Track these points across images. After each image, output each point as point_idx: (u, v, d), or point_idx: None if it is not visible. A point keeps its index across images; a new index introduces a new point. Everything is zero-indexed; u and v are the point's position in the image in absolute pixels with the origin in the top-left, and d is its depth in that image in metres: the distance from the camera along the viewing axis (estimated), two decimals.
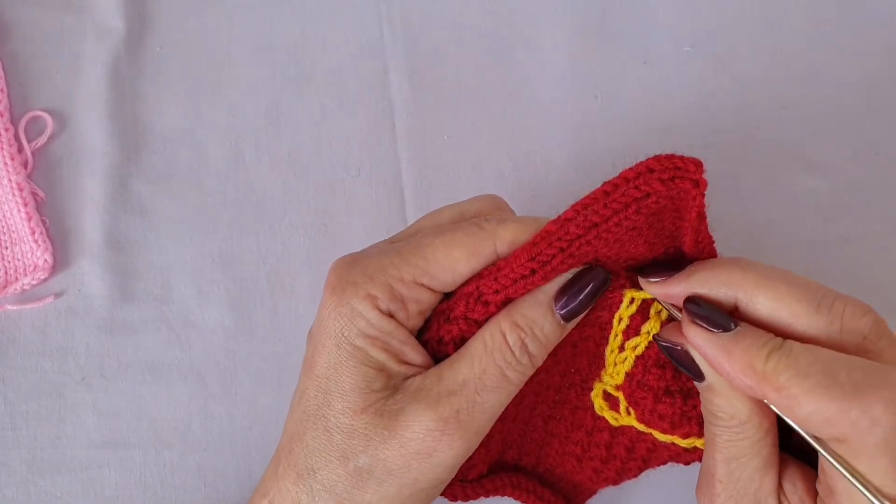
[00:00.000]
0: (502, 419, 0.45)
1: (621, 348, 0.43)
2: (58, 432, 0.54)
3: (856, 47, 0.59)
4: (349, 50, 0.59)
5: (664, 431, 0.43)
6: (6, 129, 0.56)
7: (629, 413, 0.44)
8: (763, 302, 0.37)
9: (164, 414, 0.54)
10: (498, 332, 0.40)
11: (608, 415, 0.45)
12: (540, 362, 0.41)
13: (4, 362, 0.54)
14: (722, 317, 0.37)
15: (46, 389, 0.54)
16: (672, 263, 0.41)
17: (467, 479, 0.47)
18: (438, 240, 0.40)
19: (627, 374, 0.43)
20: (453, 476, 0.41)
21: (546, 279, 0.40)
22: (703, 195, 0.37)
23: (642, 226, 0.39)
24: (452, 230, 0.41)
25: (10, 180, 0.55)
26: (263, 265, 0.56)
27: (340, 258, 0.42)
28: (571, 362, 0.46)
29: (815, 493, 0.39)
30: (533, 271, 0.39)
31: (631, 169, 0.37)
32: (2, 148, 0.55)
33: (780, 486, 0.39)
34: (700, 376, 0.39)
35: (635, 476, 0.48)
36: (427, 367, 0.41)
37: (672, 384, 0.42)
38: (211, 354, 0.55)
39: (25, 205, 0.55)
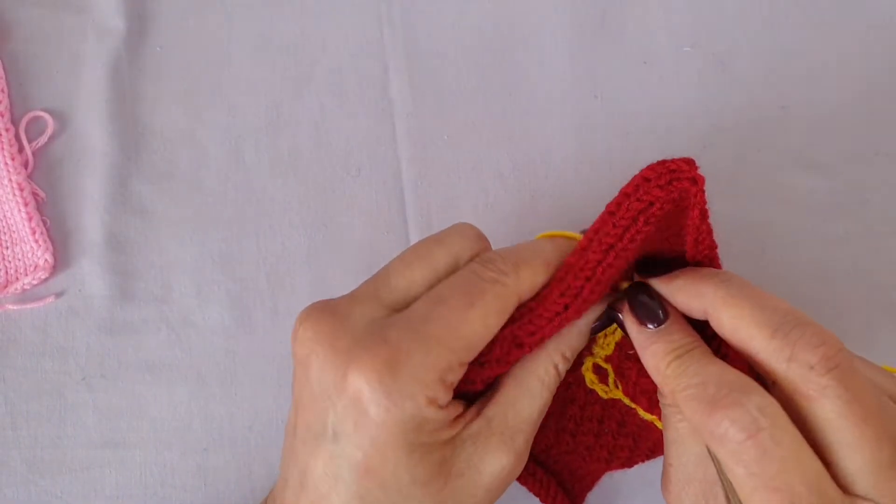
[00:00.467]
0: None
1: None
2: (58, 432, 0.54)
3: (856, 47, 0.59)
4: (349, 50, 0.59)
5: (645, 409, 0.44)
6: (7, 130, 0.56)
7: (617, 386, 0.45)
8: (726, 319, 0.37)
9: (164, 414, 0.54)
10: (552, 367, 0.41)
11: (598, 388, 0.46)
12: None
13: (5, 362, 0.54)
14: (654, 308, 0.40)
15: (47, 389, 0.54)
16: (667, 263, 0.42)
17: None
18: (471, 314, 0.38)
19: (617, 345, 0.44)
20: None
21: (579, 311, 0.40)
22: (703, 191, 0.38)
23: (653, 235, 0.40)
24: (481, 295, 0.38)
25: (10, 180, 0.55)
26: (263, 265, 0.56)
27: (372, 360, 0.37)
28: None
29: None
30: (566, 307, 0.40)
31: (628, 184, 0.39)
32: (2, 148, 0.55)
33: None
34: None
35: (628, 464, 0.49)
36: (461, 405, 0.40)
37: None
38: (211, 354, 0.55)
39: (26, 205, 0.55)
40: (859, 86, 0.58)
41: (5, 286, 0.55)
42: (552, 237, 0.43)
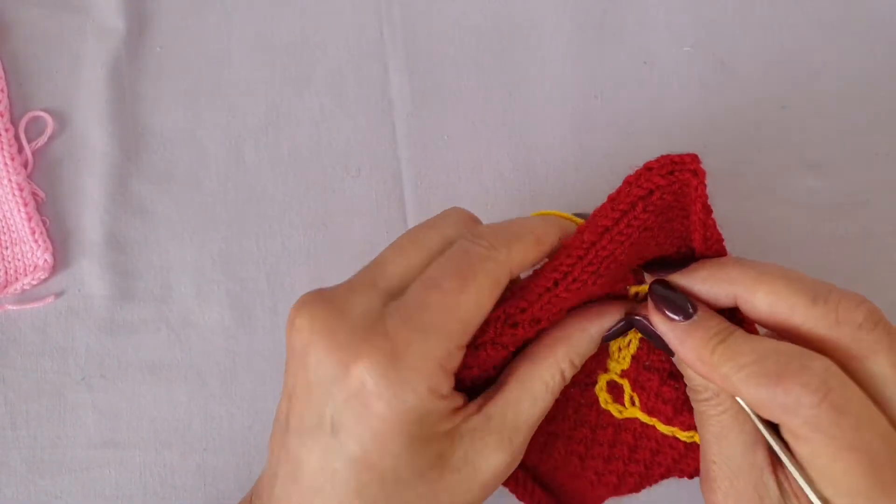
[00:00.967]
0: None
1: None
2: (58, 432, 0.54)
3: (856, 47, 0.59)
4: (349, 50, 0.59)
5: (667, 420, 0.44)
6: (6, 130, 0.56)
7: (633, 403, 0.44)
8: (762, 297, 0.38)
9: (164, 414, 0.54)
10: (558, 372, 0.41)
11: (612, 408, 0.45)
12: None
13: (4, 362, 0.54)
14: (682, 301, 0.39)
15: (46, 389, 0.54)
16: (678, 262, 0.42)
17: None
18: (464, 296, 0.38)
19: (633, 357, 0.44)
20: None
21: (569, 290, 0.40)
22: (705, 185, 0.38)
23: (653, 226, 0.40)
24: (473, 275, 0.38)
25: (10, 180, 0.55)
26: (263, 265, 0.56)
27: (373, 354, 0.36)
28: None
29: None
30: (556, 283, 0.40)
31: (631, 174, 0.39)
32: (2, 148, 0.55)
33: (780, 468, 0.39)
34: (671, 353, 0.41)
35: (636, 489, 0.48)
36: (462, 397, 0.40)
37: (676, 368, 0.43)
38: (211, 354, 0.55)
39: (26, 205, 0.55)
40: (859, 86, 0.58)
41: (5, 286, 0.55)
42: (544, 215, 0.43)
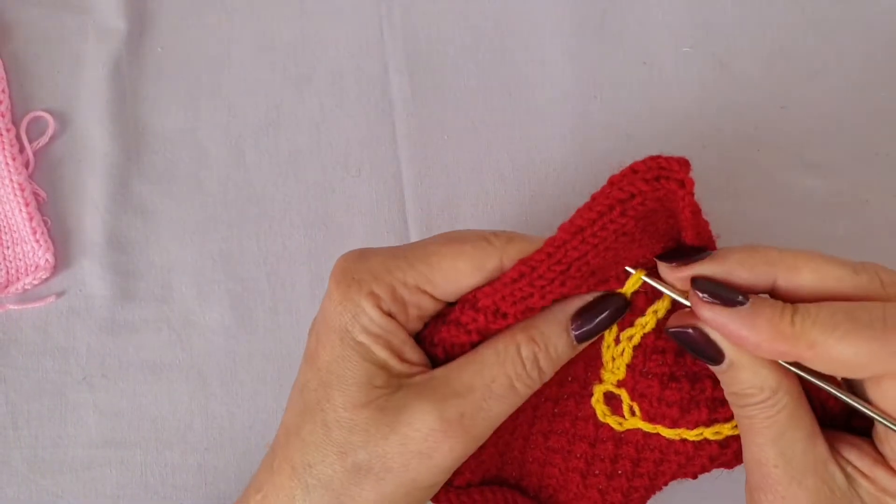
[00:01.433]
0: (497, 430, 0.44)
1: (617, 340, 0.43)
2: (59, 432, 0.54)
3: (856, 47, 0.59)
4: (349, 50, 0.59)
5: (673, 423, 0.42)
6: (7, 130, 0.56)
7: (633, 413, 0.43)
8: (808, 273, 0.38)
9: (165, 413, 0.54)
10: (513, 344, 0.41)
11: (611, 420, 0.44)
12: (548, 378, 0.42)
13: (6, 362, 0.55)
14: (731, 293, 0.38)
15: (48, 389, 0.54)
16: (688, 251, 0.41)
17: (452, 484, 0.45)
18: (445, 249, 0.41)
19: (629, 367, 0.43)
20: (446, 479, 0.41)
21: (533, 286, 0.39)
22: (692, 194, 0.37)
23: (633, 231, 0.39)
24: (461, 242, 0.41)
25: (11, 181, 0.55)
26: (263, 265, 0.56)
27: (348, 252, 0.42)
28: (568, 370, 0.45)
29: (879, 454, 0.39)
30: (521, 275, 0.39)
31: (616, 174, 0.38)
32: (3, 148, 0.55)
33: (839, 454, 0.39)
34: (719, 356, 0.39)
35: (642, 502, 0.47)
36: (426, 368, 0.42)
37: (676, 369, 0.42)
38: (211, 354, 0.55)
39: (27, 205, 0.55)
40: (859, 86, 0.58)
41: (6, 286, 0.55)
42: None
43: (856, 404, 0.38)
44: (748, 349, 0.38)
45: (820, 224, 0.57)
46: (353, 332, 0.40)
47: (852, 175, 0.57)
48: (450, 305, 0.42)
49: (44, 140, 0.57)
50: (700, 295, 0.38)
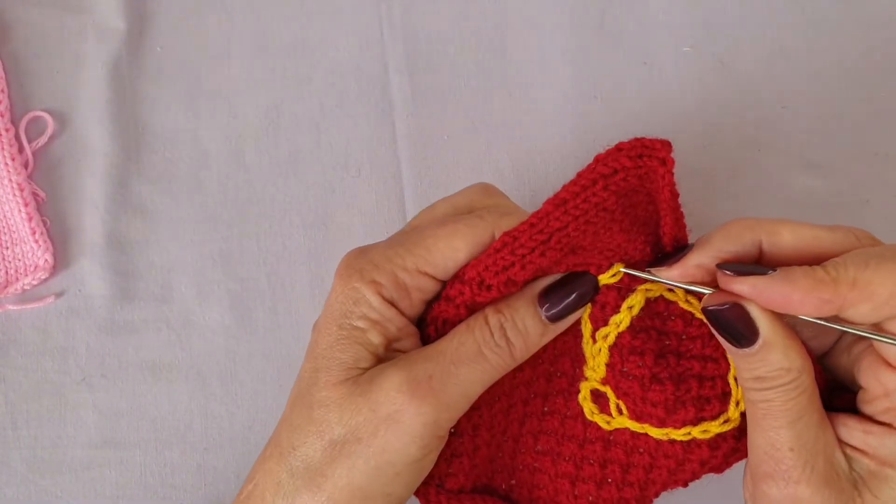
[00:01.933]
0: (489, 427, 0.45)
1: (594, 338, 0.43)
2: (59, 432, 0.54)
3: (856, 47, 0.59)
4: (349, 50, 0.59)
5: (660, 422, 0.43)
6: (7, 130, 0.56)
7: (620, 411, 0.43)
8: (787, 235, 0.39)
9: (164, 413, 0.54)
10: (481, 314, 0.42)
11: (599, 419, 0.44)
12: (520, 355, 0.42)
13: (5, 362, 0.54)
14: (759, 268, 0.39)
15: (47, 389, 0.54)
16: (666, 255, 0.42)
17: (444, 486, 0.45)
18: (440, 230, 0.42)
19: (608, 365, 0.43)
20: (422, 463, 0.41)
21: (514, 255, 0.40)
22: (672, 173, 0.38)
23: (614, 207, 0.39)
24: (454, 221, 0.42)
25: (10, 180, 0.55)
26: (263, 265, 0.56)
27: (351, 250, 0.44)
28: (554, 363, 0.45)
29: (870, 421, 0.40)
30: (504, 244, 0.40)
31: (602, 153, 0.39)
32: (2, 148, 0.55)
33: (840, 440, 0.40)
34: (754, 334, 0.39)
35: None
36: (402, 321, 0.43)
37: (658, 371, 0.42)
38: (211, 354, 0.55)
39: (26, 205, 0.55)
40: (859, 86, 0.58)
41: (5, 286, 0.55)
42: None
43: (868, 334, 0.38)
44: (792, 308, 0.38)
45: (820, 224, 0.57)
46: (351, 318, 0.41)
47: (852, 175, 0.57)
48: None
49: (43, 140, 0.57)
50: (730, 273, 0.39)
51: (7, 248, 0.55)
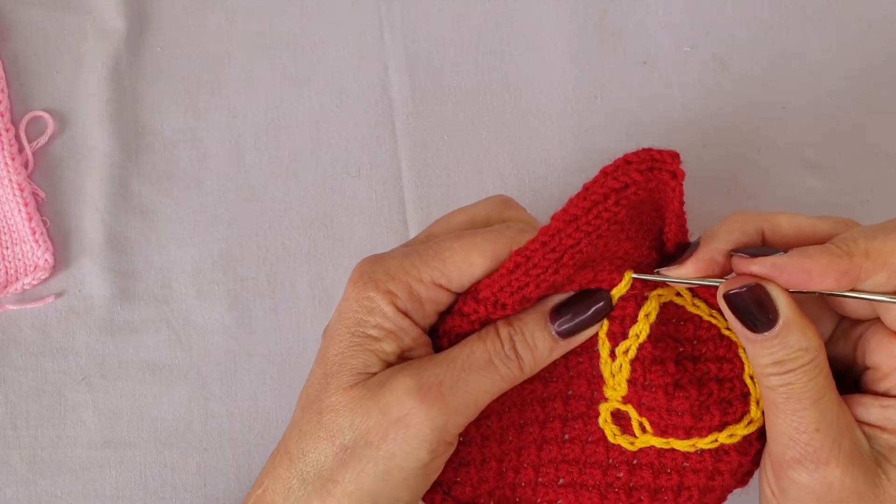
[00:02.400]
0: (499, 440, 0.44)
1: (612, 356, 0.42)
2: (58, 432, 0.54)
3: (856, 47, 0.59)
4: (349, 50, 0.59)
5: (686, 433, 0.42)
6: (7, 130, 0.56)
7: (644, 429, 0.43)
8: (784, 224, 0.41)
9: (164, 414, 0.54)
10: (493, 326, 0.42)
11: (622, 440, 0.43)
12: (529, 368, 0.42)
13: (5, 362, 0.54)
14: (771, 249, 0.40)
15: (47, 389, 0.54)
16: (671, 257, 0.42)
17: (451, 493, 0.44)
18: (457, 244, 0.42)
19: (630, 381, 0.42)
20: (429, 468, 0.41)
21: (529, 275, 0.40)
22: (682, 186, 0.38)
23: (624, 220, 0.39)
24: (472, 235, 0.42)
25: (10, 180, 0.55)
26: (263, 265, 0.56)
27: (366, 258, 0.44)
28: (570, 384, 0.45)
29: (886, 396, 0.41)
30: (517, 265, 0.40)
31: (609, 165, 0.39)
32: (2, 148, 0.55)
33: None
34: (774, 316, 0.39)
35: None
36: (416, 331, 0.43)
37: (679, 377, 0.42)
38: (211, 354, 0.55)
39: (26, 205, 0.55)
40: (859, 86, 0.58)
41: (5, 286, 0.55)
42: None
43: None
44: (811, 284, 0.39)
45: None
46: (365, 327, 0.41)
47: (852, 175, 0.57)
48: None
49: (43, 140, 0.57)
50: (750, 256, 0.40)
51: (7, 247, 0.55)
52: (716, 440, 0.42)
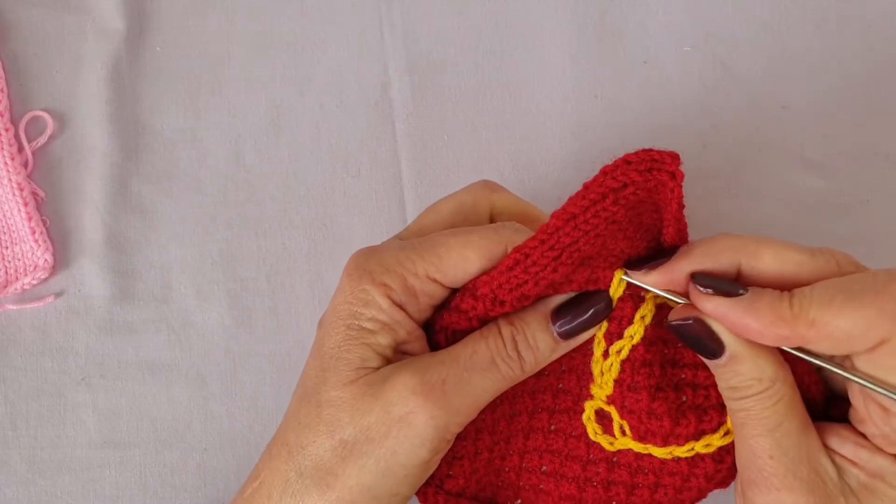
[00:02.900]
0: (491, 432, 0.45)
1: (605, 355, 0.43)
2: (58, 432, 0.54)
3: (856, 47, 0.59)
4: (349, 50, 0.59)
5: (664, 439, 0.42)
6: (6, 129, 0.56)
7: (623, 432, 0.43)
8: (768, 258, 0.39)
9: (164, 414, 0.54)
10: (495, 325, 0.42)
11: (602, 440, 0.44)
12: (530, 368, 0.42)
13: (5, 362, 0.54)
14: (731, 285, 0.39)
15: (47, 389, 0.54)
16: (653, 256, 0.42)
17: (443, 487, 0.45)
18: (453, 240, 0.42)
19: (616, 382, 0.43)
20: (429, 465, 0.41)
21: (527, 273, 0.40)
22: (681, 186, 0.38)
23: (622, 219, 0.39)
24: (468, 232, 0.42)
25: (10, 180, 0.55)
26: (263, 265, 0.56)
27: (360, 249, 0.44)
28: (561, 379, 0.45)
29: (861, 435, 0.40)
30: (516, 262, 0.40)
31: (609, 164, 0.39)
32: (2, 148, 0.55)
33: (826, 445, 0.40)
34: (720, 348, 0.39)
35: None
36: (411, 325, 0.43)
37: (661, 381, 0.42)
38: (211, 354, 0.55)
39: (26, 205, 0.55)
40: (859, 86, 0.58)
41: (5, 286, 0.55)
42: None
43: (861, 381, 0.38)
44: (751, 337, 0.38)
45: (820, 224, 0.57)
46: (360, 320, 0.41)
47: (852, 175, 0.57)
48: (457, 292, 0.43)
49: (43, 140, 0.57)
50: (700, 289, 0.39)
51: (7, 247, 0.55)
52: (692, 449, 0.42)
